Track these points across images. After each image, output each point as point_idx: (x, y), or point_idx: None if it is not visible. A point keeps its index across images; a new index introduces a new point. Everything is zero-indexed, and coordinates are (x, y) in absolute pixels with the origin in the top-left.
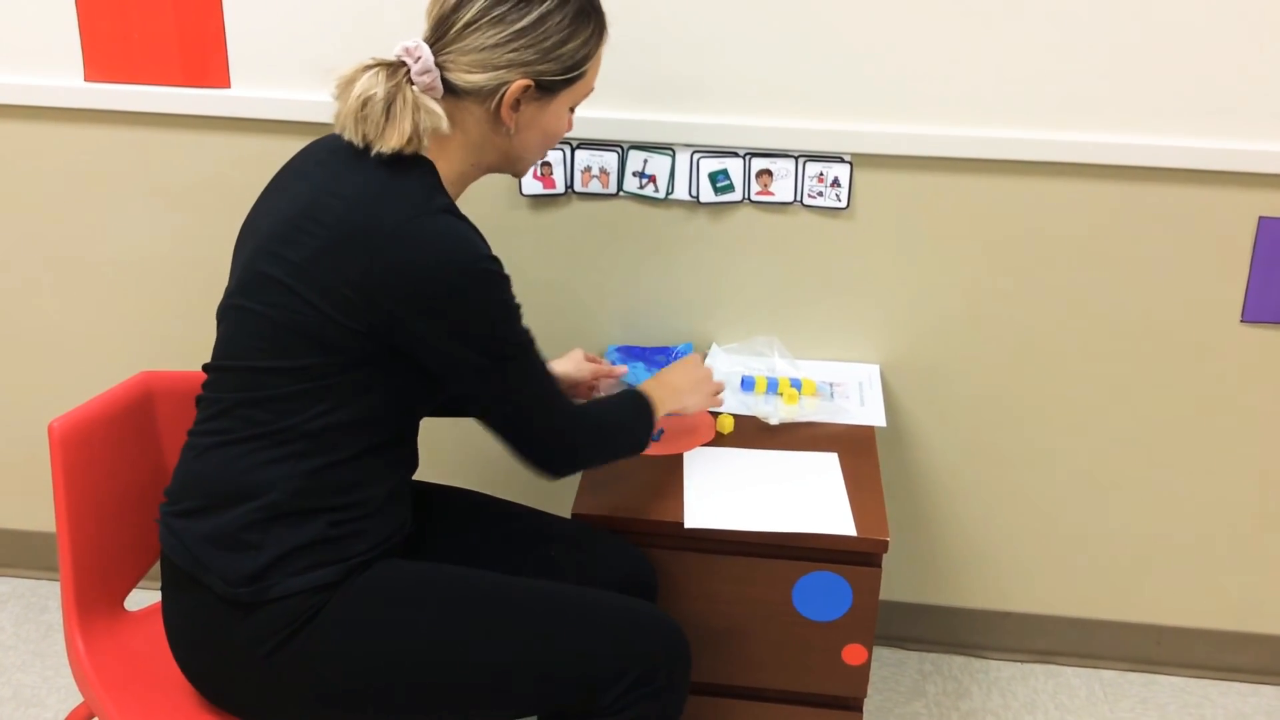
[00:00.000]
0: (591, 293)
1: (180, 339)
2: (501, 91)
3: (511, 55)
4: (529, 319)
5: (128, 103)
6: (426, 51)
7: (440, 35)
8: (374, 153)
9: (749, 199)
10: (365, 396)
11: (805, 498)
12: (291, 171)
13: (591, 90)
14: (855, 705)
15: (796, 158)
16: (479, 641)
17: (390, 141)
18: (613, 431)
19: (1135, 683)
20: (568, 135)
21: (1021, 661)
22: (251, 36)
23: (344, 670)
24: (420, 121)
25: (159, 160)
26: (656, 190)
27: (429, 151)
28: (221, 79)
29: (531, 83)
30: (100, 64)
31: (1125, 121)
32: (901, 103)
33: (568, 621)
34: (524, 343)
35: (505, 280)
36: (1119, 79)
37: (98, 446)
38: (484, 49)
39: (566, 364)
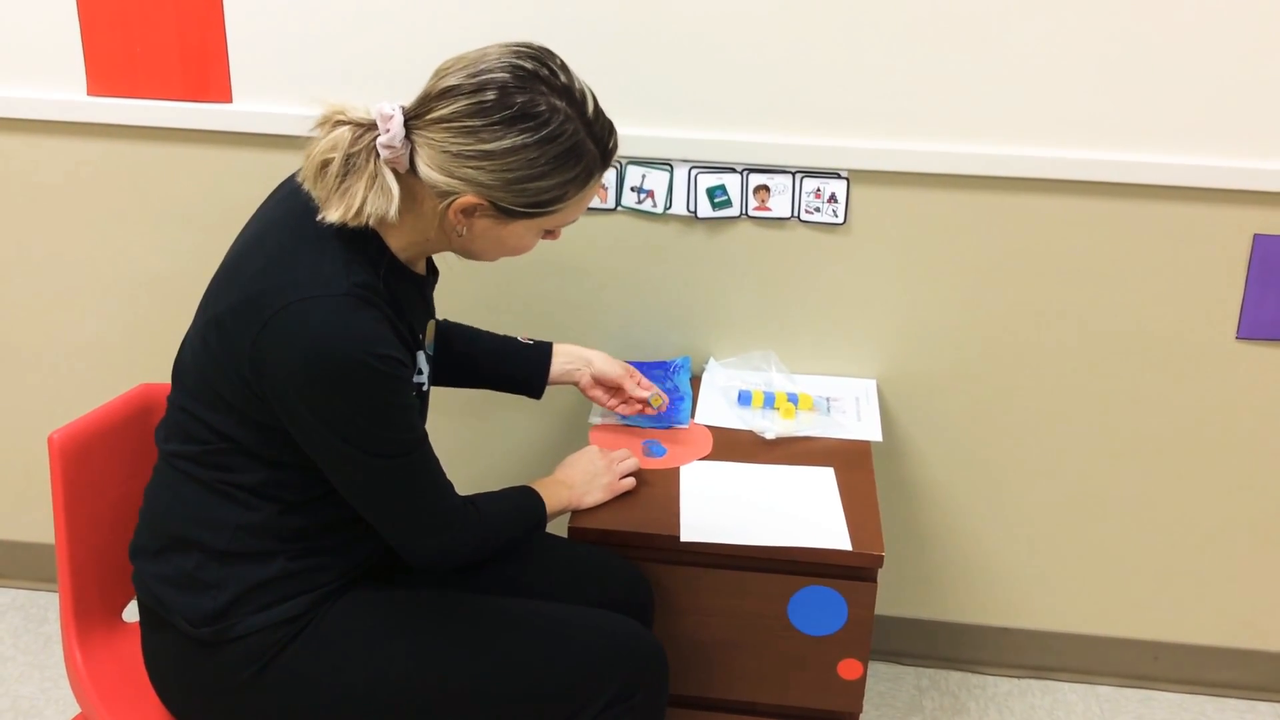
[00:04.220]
0: (589, 307)
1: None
2: (452, 198)
3: (470, 171)
4: (529, 332)
5: (130, 117)
6: (398, 125)
7: (418, 114)
8: (318, 218)
9: (746, 214)
10: (293, 458)
11: (801, 512)
12: (264, 203)
13: (571, 221)
14: None
15: (794, 173)
16: (451, 667)
17: (333, 214)
18: (495, 537)
19: (1132, 699)
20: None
21: (1018, 677)
22: (253, 51)
23: (316, 702)
24: (367, 202)
25: (160, 174)
26: (654, 205)
27: (379, 221)
28: (223, 94)
29: (485, 202)
30: (103, 78)
31: (1122, 139)
32: (899, 119)
33: (542, 642)
34: (407, 442)
35: (389, 379)
36: (1116, 96)
37: (97, 458)
38: (446, 152)
39: (601, 362)
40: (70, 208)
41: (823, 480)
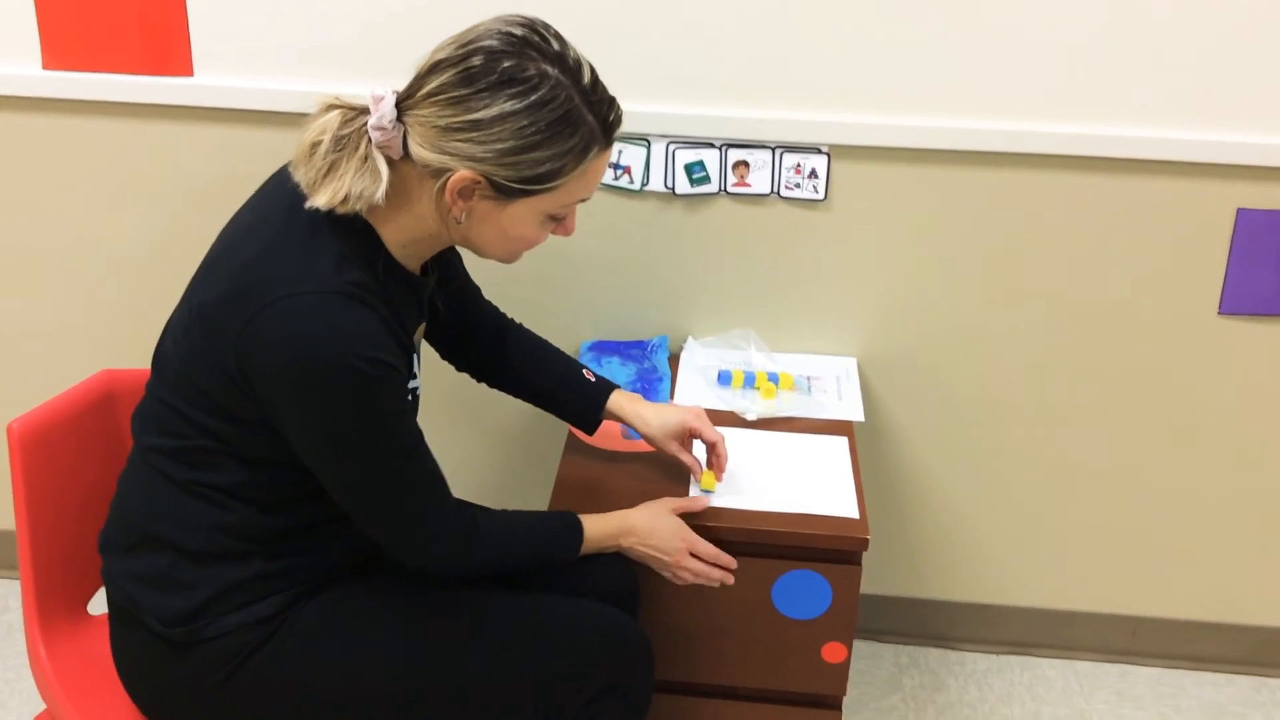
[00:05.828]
0: (565, 286)
1: (143, 336)
2: (445, 177)
3: (460, 145)
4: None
5: (87, 91)
6: (389, 106)
7: (410, 94)
8: (307, 204)
9: (725, 190)
10: (272, 456)
11: (808, 481)
12: (255, 192)
13: (583, 199)
14: (834, 704)
15: (773, 149)
16: (431, 663)
17: (320, 199)
18: (497, 559)
19: (1111, 674)
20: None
21: (998, 654)
22: (215, 23)
23: (293, 701)
24: (354, 186)
25: (119, 151)
26: (631, 182)
27: (372, 213)
28: (184, 67)
29: (481, 179)
30: (59, 51)
31: (1103, 113)
32: (880, 94)
33: (526, 635)
34: (398, 450)
35: (377, 383)
36: (1097, 70)
37: (58, 447)
38: (435, 127)
39: (661, 417)
40: (26, 186)
41: (835, 449)
